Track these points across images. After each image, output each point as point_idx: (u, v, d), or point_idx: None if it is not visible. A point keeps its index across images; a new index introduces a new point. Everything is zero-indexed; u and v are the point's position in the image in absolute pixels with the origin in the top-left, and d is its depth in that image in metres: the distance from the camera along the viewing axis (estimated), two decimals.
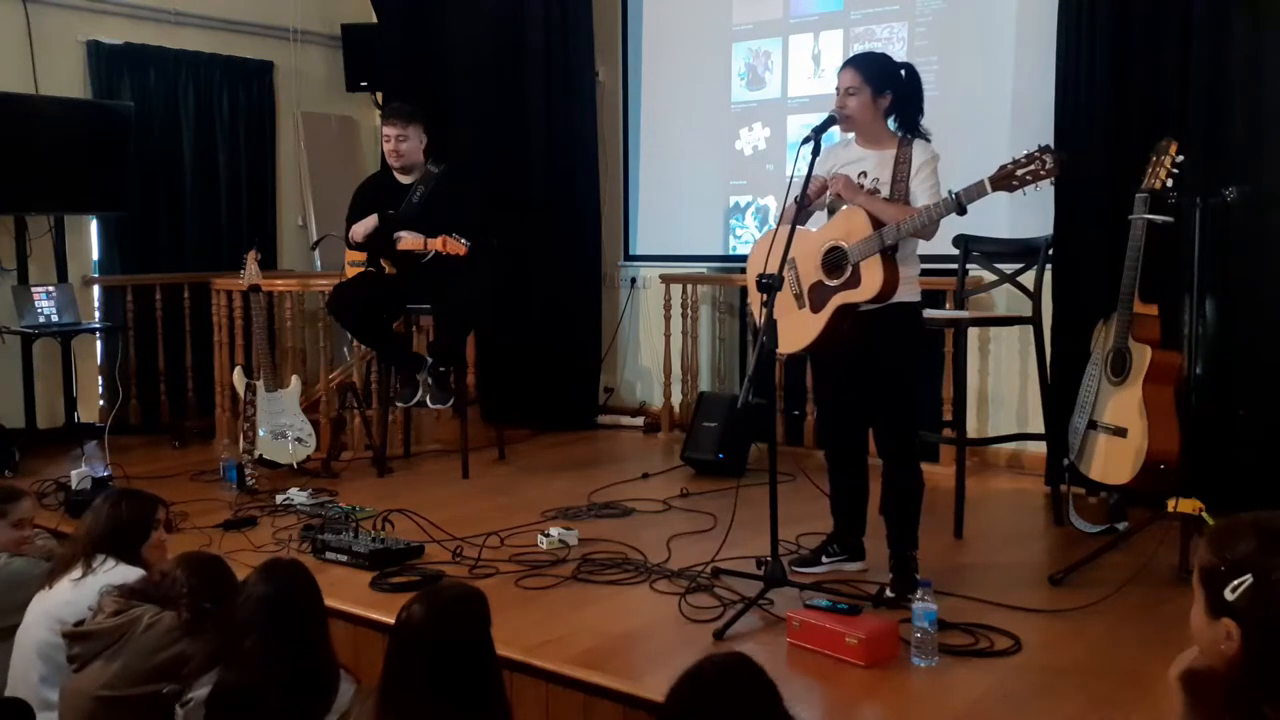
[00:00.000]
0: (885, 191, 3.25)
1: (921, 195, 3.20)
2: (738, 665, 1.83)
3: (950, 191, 3.10)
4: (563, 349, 6.22)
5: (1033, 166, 3.04)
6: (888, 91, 3.29)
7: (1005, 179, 3.07)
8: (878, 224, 3.17)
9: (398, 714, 2.03)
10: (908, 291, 3.27)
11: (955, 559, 3.69)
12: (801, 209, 3.28)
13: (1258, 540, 1.55)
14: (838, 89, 3.31)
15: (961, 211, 3.10)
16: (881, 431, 3.40)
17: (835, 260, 3.26)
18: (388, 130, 4.93)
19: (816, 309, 3.31)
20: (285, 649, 2.25)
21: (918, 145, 3.26)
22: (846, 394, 3.44)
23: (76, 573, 2.78)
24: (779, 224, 3.29)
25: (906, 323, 3.31)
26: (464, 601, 2.17)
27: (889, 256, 3.18)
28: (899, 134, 3.32)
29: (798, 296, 3.36)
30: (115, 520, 2.88)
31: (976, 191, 3.07)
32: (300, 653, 2.28)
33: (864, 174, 3.31)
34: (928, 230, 3.15)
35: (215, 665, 2.27)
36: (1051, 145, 3.07)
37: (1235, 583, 1.53)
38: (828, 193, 3.33)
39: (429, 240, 4.69)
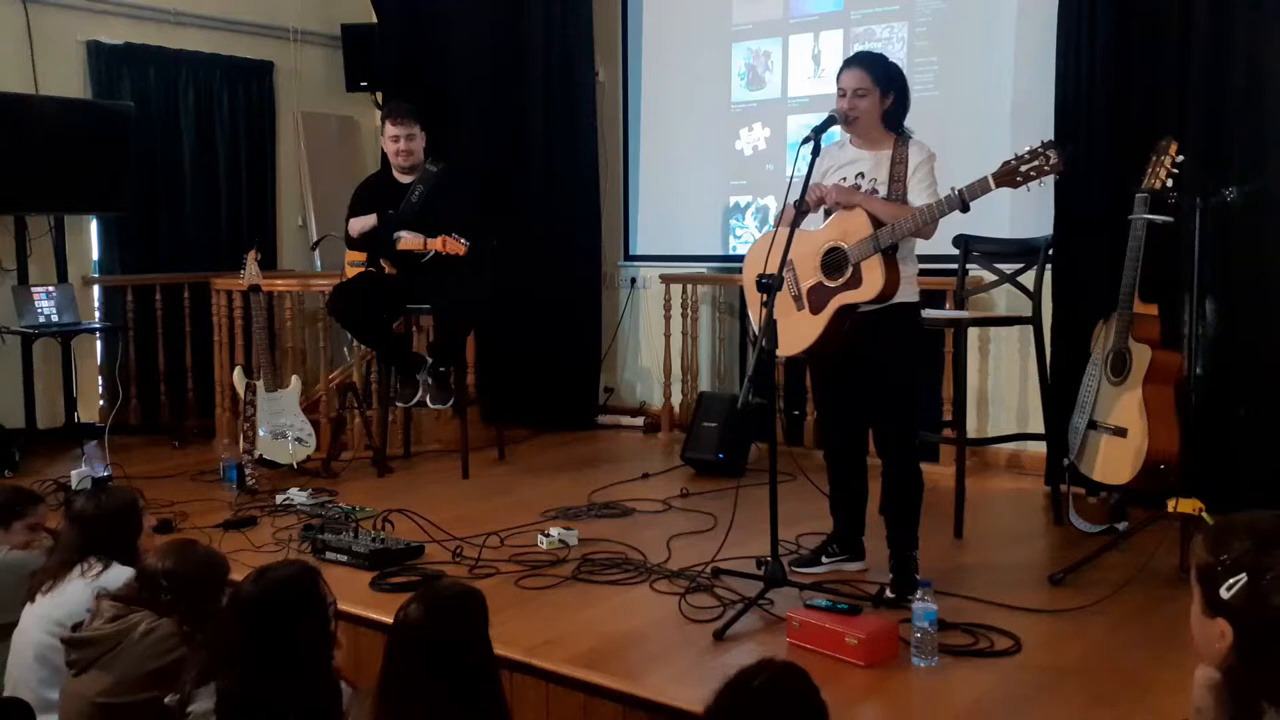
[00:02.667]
0: (883, 192, 3.25)
1: (918, 194, 3.19)
2: (792, 675, 1.81)
3: (953, 188, 3.09)
4: (563, 349, 6.22)
5: (1036, 162, 3.03)
6: (892, 92, 3.29)
7: (1009, 175, 3.06)
8: (877, 224, 3.16)
9: (396, 714, 2.02)
10: (907, 291, 3.27)
11: (955, 559, 3.69)
12: (800, 212, 3.28)
13: (1253, 541, 1.56)
14: (843, 90, 3.29)
15: (965, 209, 3.09)
16: (881, 432, 3.40)
17: (835, 261, 3.26)
18: (396, 130, 4.91)
19: (816, 310, 3.30)
20: (271, 659, 2.17)
21: (913, 145, 3.26)
22: (846, 394, 3.44)
23: (74, 574, 2.78)
24: (777, 226, 3.29)
25: (906, 323, 3.31)
26: (461, 601, 2.17)
27: (890, 256, 3.18)
28: (893, 134, 3.32)
29: (796, 298, 3.35)
30: (107, 518, 2.87)
31: (980, 188, 3.06)
32: (288, 662, 2.18)
33: (861, 175, 3.31)
34: (928, 229, 3.15)
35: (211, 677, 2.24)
36: (1055, 141, 3.06)
37: (1230, 582, 1.54)
38: (826, 201, 3.32)
39: (428, 240, 4.70)
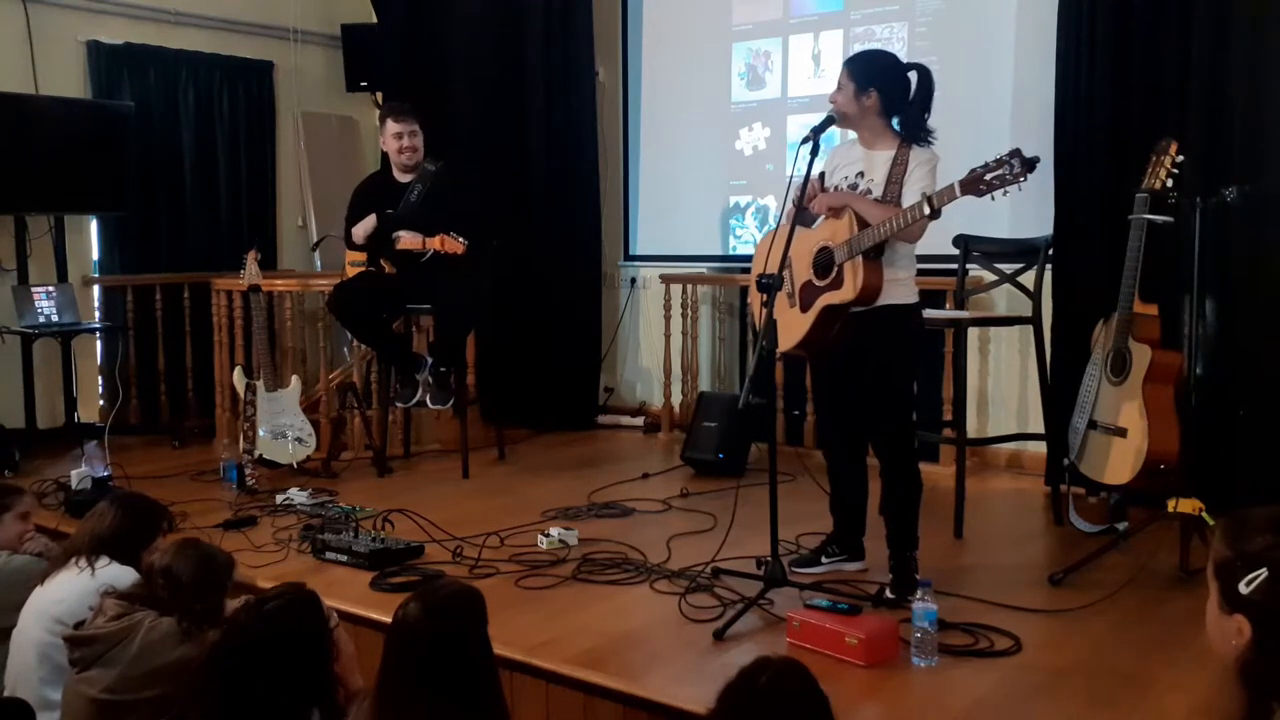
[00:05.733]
0: (877, 192, 3.24)
1: (911, 198, 3.18)
2: (793, 671, 1.82)
3: (923, 194, 3.09)
4: (563, 349, 6.22)
5: (1001, 171, 3.01)
6: (871, 90, 3.25)
7: (974, 183, 3.04)
8: (863, 225, 3.17)
9: (394, 714, 2.02)
10: (901, 293, 3.26)
11: (955, 559, 3.69)
12: (801, 211, 3.28)
13: (1274, 535, 1.54)
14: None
15: (935, 215, 3.08)
16: (877, 433, 3.40)
17: (824, 261, 3.26)
18: (399, 128, 4.92)
19: (805, 308, 3.32)
20: (265, 695, 2.10)
21: (917, 148, 3.24)
22: (844, 395, 3.44)
23: (73, 570, 2.79)
24: (780, 224, 3.29)
25: (900, 324, 3.29)
26: (460, 600, 2.17)
27: (871, 259, 3.17)
28: (898, 135, 3.31)
29: (790, 296, 3.36)
30: (121, 525, 2.88)
31: (947, 195, 3.05)
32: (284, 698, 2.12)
33: (860, 175, 3.31)
34: (909, 232, 3.13)
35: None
36: (1021, 150, 3.04)
37: (1250, 577, 1.52)
38: (817, 209, 3.31)
39: (427, 239, 4.70)
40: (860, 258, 3.16)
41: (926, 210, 3.05)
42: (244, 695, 2.08)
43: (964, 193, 3.05)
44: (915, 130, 3.28)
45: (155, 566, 2.59)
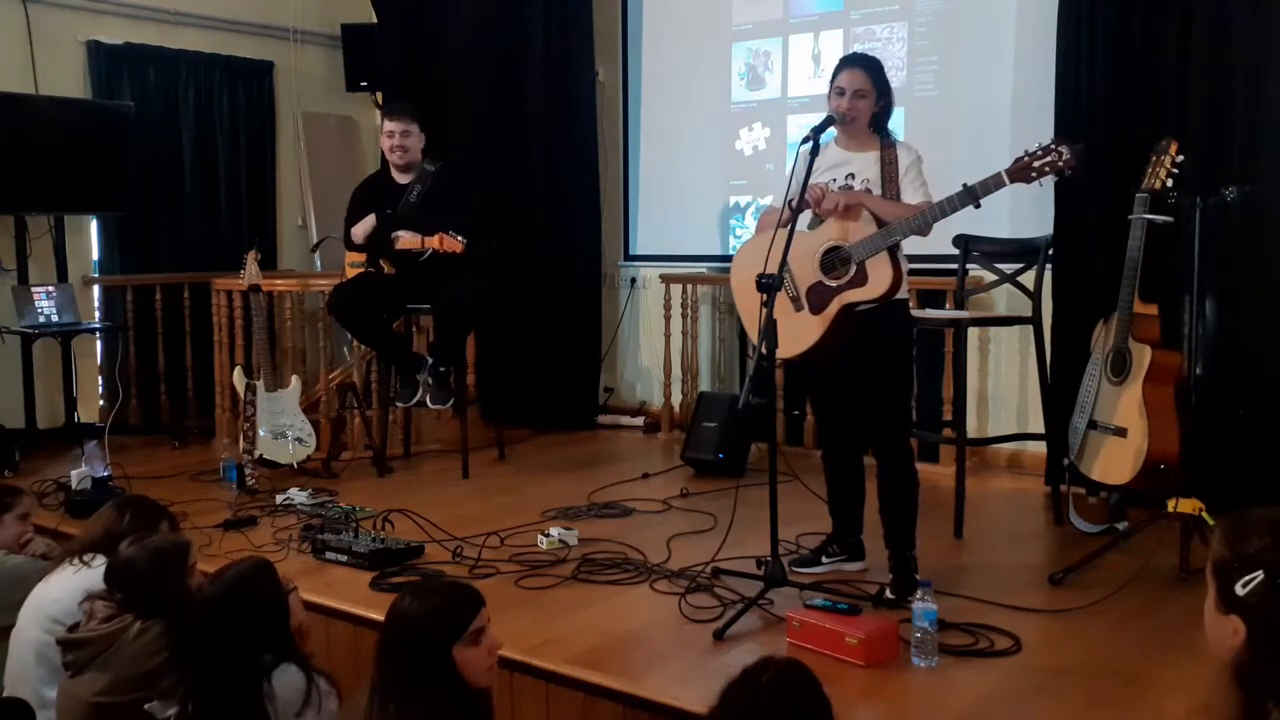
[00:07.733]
0: (877, 191, 3.27)
1: (912, 194, 3.22)
2: (796, 672, 1.82)
3: (965, 184, 3.10)
4: (563, 349, 6.22)
5: (1050, 158, 3.08)
6: (884, 98, 3.33)
7: (1023, 170, 3.09)
8: (881, 222, 3.17)
9: (388, 709, 2.02)
10: (903, 289, 3.28)
11: (955, 559, 3.69)
12: (797, 213, 3.27)
13: (1272, 537, 1.54)
14: (842, 88, 3.30)
15: (977, 204, 3.10)
16: (874, 430, 3.40)
17: (836, 260, 3.26)
18: (391, 126, 4.91)
19: (817, 310, 3.29)
20: (229, 663, 2.20)
21: (901, 147, 3.30)
22: (841, 394, 3.44)
23: (69, 569, 2.78)
24: (758, 231, 3.28)
25: (897, 321, 3.32)
26: (454, 596, 2.18)
27: (894, 253, 3.19)
28: (878, 136, 3.34)
29: (794, 300, 3.34)
30: (121, 526, 2.87)
31: (994, 183, 3.08)
32: (245, 666, 2.21)
33: (851, 176, 3.32)
34: (928, 228, 3.15)
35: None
36: (1068, 139, 3.09)
37: (1246, 579, 1.52)
38: (833, 209, 3.31)
39: (426, 239, 4.70)
40: (885, 253, 3.17)
41: (969, 199, 3.08)
42: (215, 662, 2.17)
43: (1013, 180, 3.10)
44: (885, 131, 3.35)
45: (111, 569, 2.59)
